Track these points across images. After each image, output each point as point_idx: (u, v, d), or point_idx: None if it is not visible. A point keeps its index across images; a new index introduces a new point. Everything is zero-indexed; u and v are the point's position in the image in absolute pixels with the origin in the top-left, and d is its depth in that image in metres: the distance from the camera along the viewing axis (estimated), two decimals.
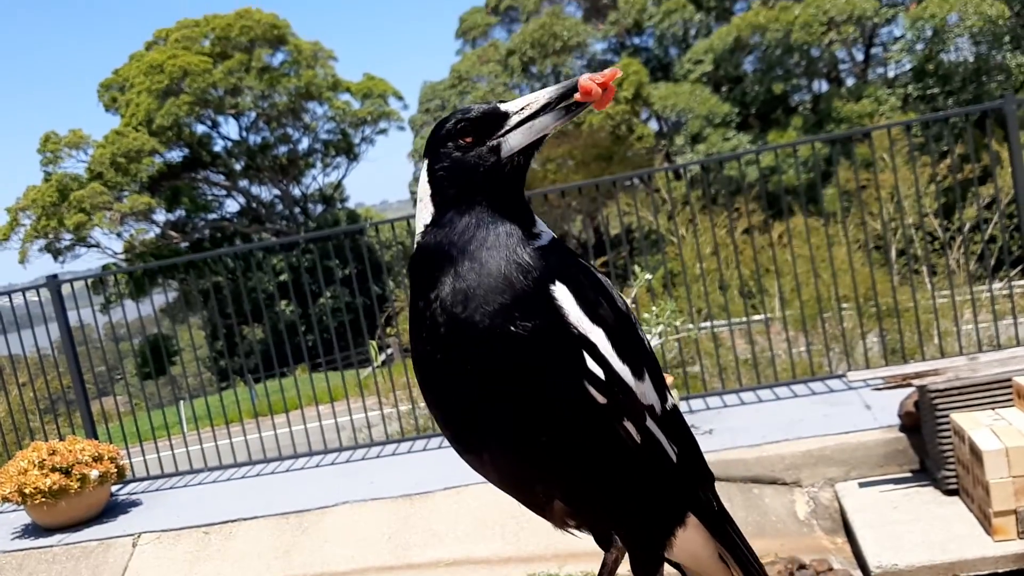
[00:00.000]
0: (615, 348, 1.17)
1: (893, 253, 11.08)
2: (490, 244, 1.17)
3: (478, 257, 1.16)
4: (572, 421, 1.13)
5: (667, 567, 1.40)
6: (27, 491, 5.91)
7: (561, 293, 1.17)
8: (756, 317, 9.77)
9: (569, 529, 1.26)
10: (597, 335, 1.17)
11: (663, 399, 1.23)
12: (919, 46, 28.49)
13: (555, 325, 1.16)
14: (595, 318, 1.18)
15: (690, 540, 1.26)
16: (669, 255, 10.87)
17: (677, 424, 1.24)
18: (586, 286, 1.21)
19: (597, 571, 1.33)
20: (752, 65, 31.84)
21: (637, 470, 1.18)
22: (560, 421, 1.13)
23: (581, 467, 1.16)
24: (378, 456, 6.95)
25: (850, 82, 31.78)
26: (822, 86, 32.29)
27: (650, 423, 1.18)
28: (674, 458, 1.21)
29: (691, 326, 6.87)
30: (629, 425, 1.16)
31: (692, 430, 1.37)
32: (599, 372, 1.14)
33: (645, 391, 1.19)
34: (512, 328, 1.14)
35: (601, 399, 1.13)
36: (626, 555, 1.26)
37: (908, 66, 29.57)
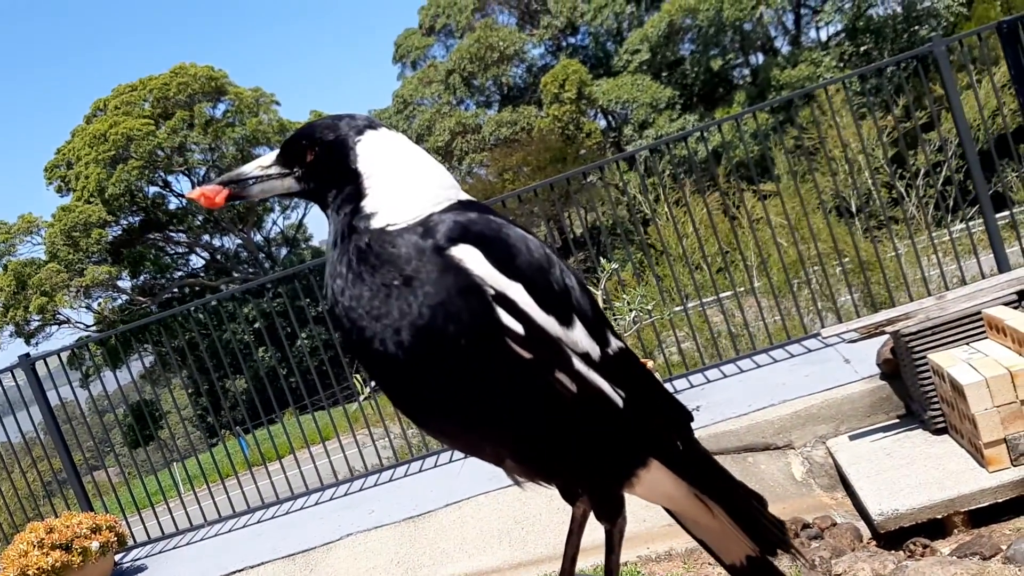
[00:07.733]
0: (537, 299, 1.15)
1: (854, 206, 11.18)
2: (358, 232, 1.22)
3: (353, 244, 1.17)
4: (501, 380, 1.12)
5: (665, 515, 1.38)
6: (30, 573, 5.84)
7: (465, 253, 1.15)
8: (726, 294, 9.86)
9: (537, 483, 1.25)
10: (515, 290, 1.14)
11: (603, 343, 1.20)
12: (847, 4, 28.92)
13: (463, 287, 1.13)
14: (511, 272, 1.16)
15: (658, 482, 1.24)
16: (633, 247, 10.93)
17: (625, 368, 1.21)
18: (495, 241, 1.18)
19: (603, 561, 1.32)
20: (688, 48, 32.13)
21: (579, 419, 1.16)
22: (489, 382, 1.12)
23: (521, 424, 1.14)
24: (376, 484, 6.93)
25: (786, 50, 32.16)
26: (759, 59, 32.63)
27: (584, 369, 1.15)
28: (620, 403, 1.19)
29: (665, 309, 6.93)
30: (562, 376, 1.14)
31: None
32: (518, 328, 1.12)
33: (577, 339, 1.16)
34: (412, 299, 1.11)
35: (526, 354, 1.12)
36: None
37: (840, 26, 29.99)
